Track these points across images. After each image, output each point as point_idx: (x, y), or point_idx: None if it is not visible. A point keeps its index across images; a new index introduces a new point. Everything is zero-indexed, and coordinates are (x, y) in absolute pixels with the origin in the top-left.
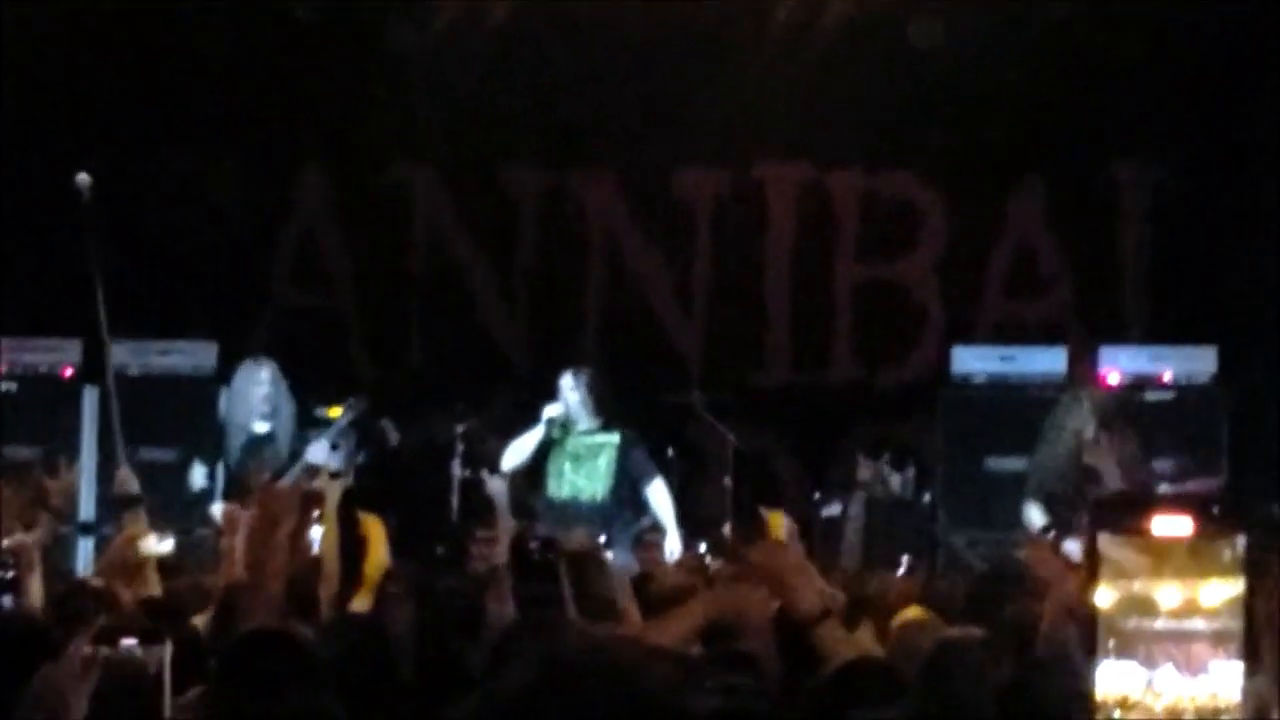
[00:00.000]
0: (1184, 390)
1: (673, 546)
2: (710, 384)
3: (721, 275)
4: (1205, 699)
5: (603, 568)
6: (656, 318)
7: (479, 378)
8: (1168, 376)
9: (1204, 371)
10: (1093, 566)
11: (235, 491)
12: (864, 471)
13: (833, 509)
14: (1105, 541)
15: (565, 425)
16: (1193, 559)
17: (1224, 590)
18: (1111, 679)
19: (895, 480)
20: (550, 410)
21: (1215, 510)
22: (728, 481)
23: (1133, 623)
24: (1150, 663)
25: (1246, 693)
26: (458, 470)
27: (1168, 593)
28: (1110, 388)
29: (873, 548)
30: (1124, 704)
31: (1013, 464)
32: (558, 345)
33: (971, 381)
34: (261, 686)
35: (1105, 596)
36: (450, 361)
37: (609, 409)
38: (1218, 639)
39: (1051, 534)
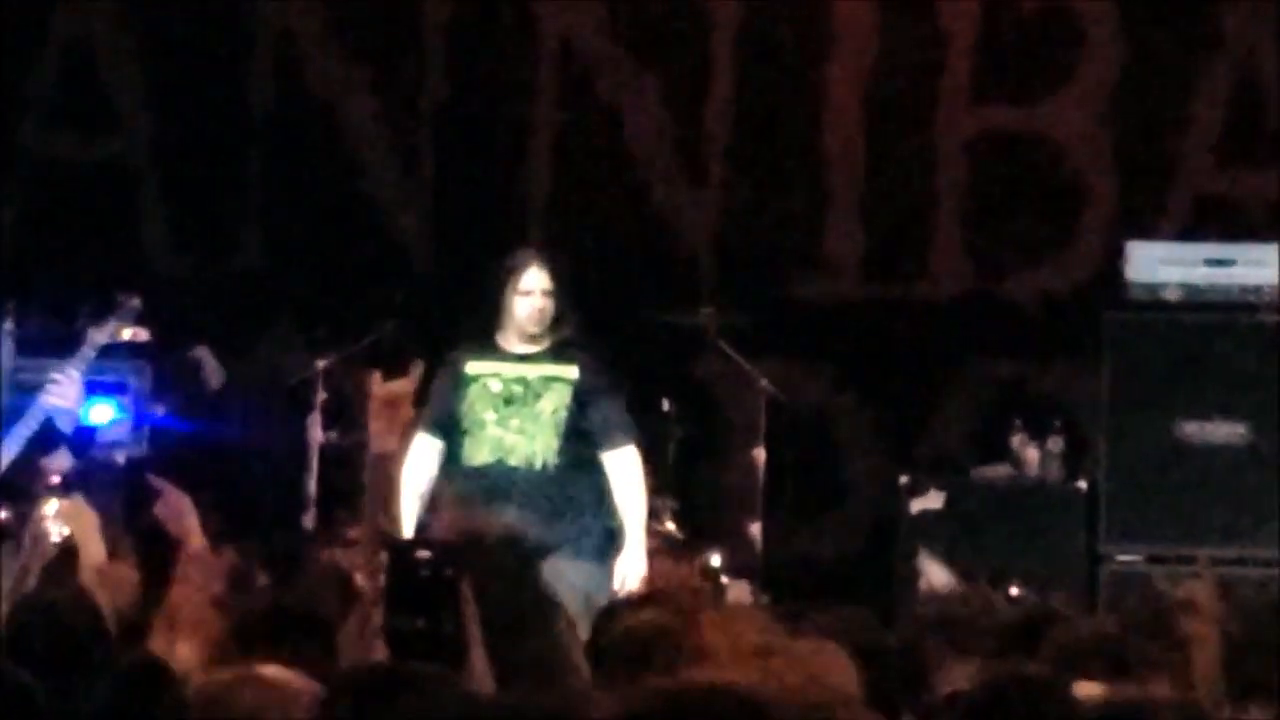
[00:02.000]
0: None
1: (630, 567)
2: (732, 296)
3: (751, 123)
4: None
5: (539, 595)
6: (645, 187)
7: (356, 283)
8: None
9: None
10: None
11: None
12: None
13: (929, 500)
14: None
15: (489, 351)
16: None
17: None
18: None
19: (1032, 456)
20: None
21: None
22: (758, 454)
23: None
24: None
25: None
26: (317, 429)
27: None
28: None
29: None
30: None
31: (1226, 431)
32: (484, 232)
33: (1159, 298)
34: None
35: None
36: (307, 257)
37: (566, 324)
38: None
39: None
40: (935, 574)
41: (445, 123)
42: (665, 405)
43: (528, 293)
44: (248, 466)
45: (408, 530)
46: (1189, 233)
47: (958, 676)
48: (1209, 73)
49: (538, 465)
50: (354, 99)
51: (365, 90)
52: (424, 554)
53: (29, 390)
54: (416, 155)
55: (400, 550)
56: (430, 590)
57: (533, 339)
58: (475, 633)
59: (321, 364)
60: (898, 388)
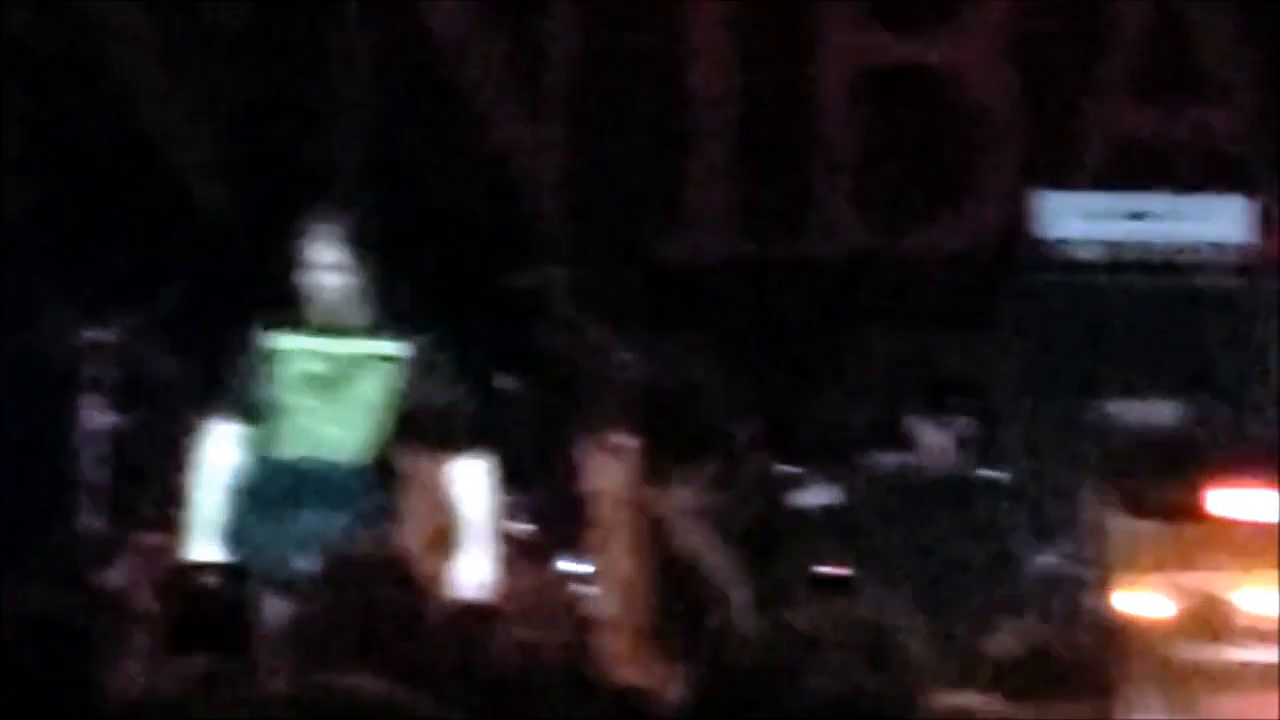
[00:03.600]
0: None
1: (471, 573)
2: (584, 255)
3: (602, 57)
4: None
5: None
6: (475, 125)
7: (137, 242)
8: None
9: None
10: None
11: None
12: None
13: (815, 495)
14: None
15: (300, 324)
16: None
17: None
18: None
19: (934, 442)
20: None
21: None
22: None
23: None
24: None
25: None
26: (93, 414)
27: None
28: None
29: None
30: None
31: (1159, 411)
32: (287, 182)
33: (1073, 257)
34: None
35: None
36: (74, 209)
37: (384, 297)
38: None
39: None
40: None
41: (245, 50)
42: (510, 381)
43: (313, 267)
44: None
45: (209, 534)
46: (1108, 181)
47: None
48: None
49: (355, 459)
50: (126, 23)
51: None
52: (209, 577)
53: None
54: (209, 88)
55: (184, 574)
56: (216, 619)
57: (342, 314)
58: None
59: (90, 337)
60: (777, 362)
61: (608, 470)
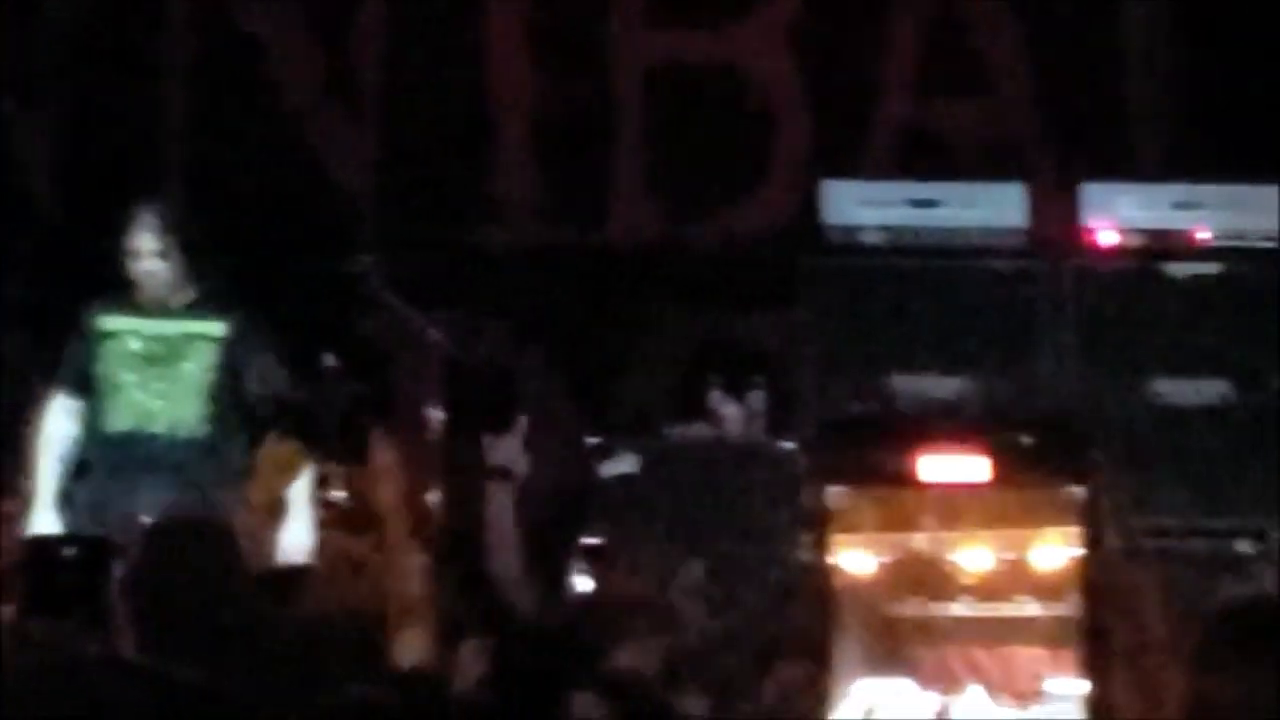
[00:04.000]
0: (1236, 257)
1: (293, 540)
2: (398, 242)
3: (409, 54)
4: None
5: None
6: (296, 121)
7: None
8: (1204, 233)
9: (1264, 227)
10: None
11: None
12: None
13: (621, 464)
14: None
15: (128, 306)
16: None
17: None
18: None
19: (731, 414)
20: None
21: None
22: (434, 415)
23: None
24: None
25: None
26: None
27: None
28: (1103, 251)
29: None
30: None
31: (945, 386)
32: (117, 177)
33: (858, 242)
34: None
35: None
36: None
37: (206, 277)
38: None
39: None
40: None
41: (69, 51)
42: (328, 362)
43: (136, 254)
44: None
45: (48, 503)
46: (892, 170)
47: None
48: None
49: (182, 432)
50: None
51: None
52: (69, 551)
53: None
54: (39, 89)
55: (41, 546)
56: (74, 589)
57: (165, 296)
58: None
59: None
60: (584, 342)
61: (404, 447)
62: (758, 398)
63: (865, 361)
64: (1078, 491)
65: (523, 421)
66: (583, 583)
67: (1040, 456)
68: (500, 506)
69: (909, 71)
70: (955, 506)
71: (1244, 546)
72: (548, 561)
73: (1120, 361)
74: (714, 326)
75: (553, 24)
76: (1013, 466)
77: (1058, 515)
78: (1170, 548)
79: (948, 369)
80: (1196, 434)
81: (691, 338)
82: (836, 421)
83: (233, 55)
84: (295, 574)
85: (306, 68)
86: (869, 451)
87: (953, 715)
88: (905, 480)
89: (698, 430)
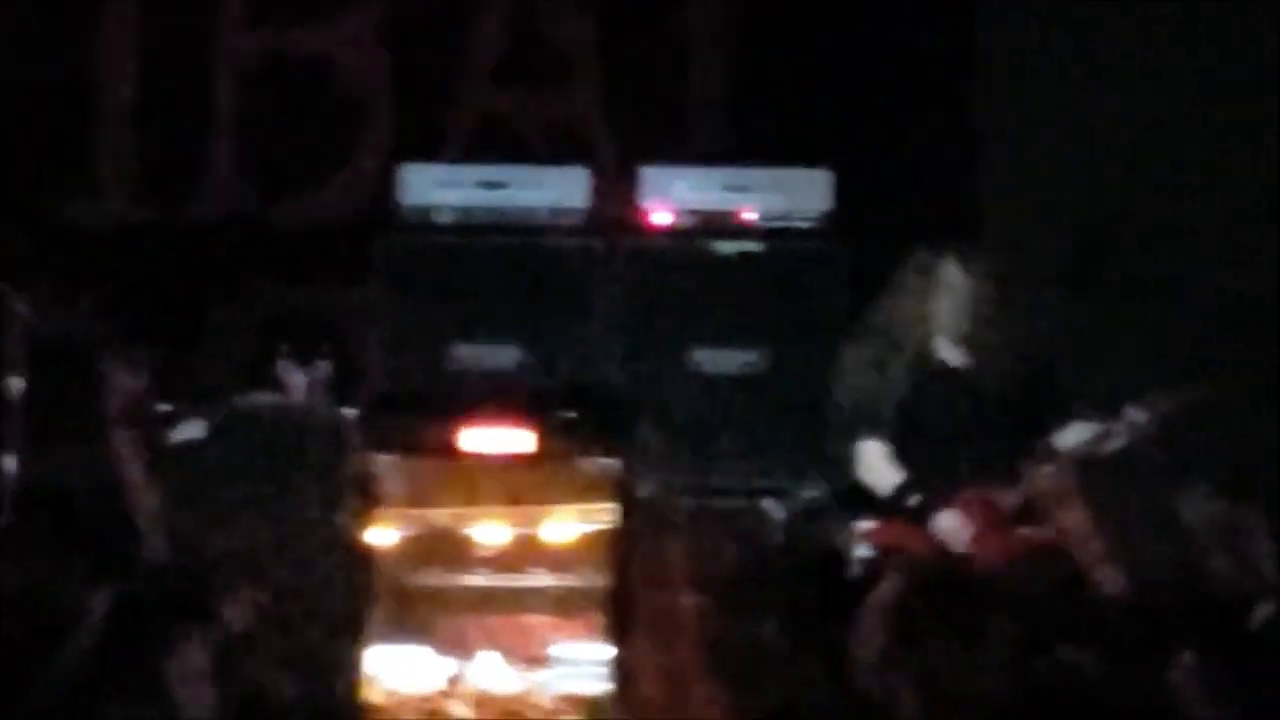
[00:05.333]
0: (780, 237)
1: None
2: None
3: (17, 20)
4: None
5: None
6: None
7: None
8: (751, 214)
9: (809, 209)
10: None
11: None
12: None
13: (189, 429)
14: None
15: None
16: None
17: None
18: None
19: (297, 382)
20: None
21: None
22: (14, 383)
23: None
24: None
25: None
26: None
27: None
28: (657, 230)
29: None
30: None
31: (504, 357)
32: None
33: (433, 221)
34: None
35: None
36: None
37: None
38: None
39: (913, 500)
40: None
41: None
42: None
43: None
44: None
45: None
46: (466, 155)
47: None
48: None
49: None
50: None
51: None
52: None
53: None
54: None
55: None
56: None
57: None
58: None
59: None
60: (165, 315)
61: None
62: (323, 367)
63: (432, 334)
64: (614, 464)
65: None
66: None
67: (581, 430)
68: (126, 457)
69: (489, 62)
70: (497, 478)
71: (774, 506)
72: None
73: (668, 334)
74: (287, 300)
75: (160, 7)
76: (554, 439)
77: (596, 487)
78: (709, 508)
79: (508, 342)
80: (737, 402)
81: (266, 311)
82: (387, 392)
83: None
84: None
85: None
86: (414, 422)
87: (466, 679)
88: (447, 451)
89: (263, 398)
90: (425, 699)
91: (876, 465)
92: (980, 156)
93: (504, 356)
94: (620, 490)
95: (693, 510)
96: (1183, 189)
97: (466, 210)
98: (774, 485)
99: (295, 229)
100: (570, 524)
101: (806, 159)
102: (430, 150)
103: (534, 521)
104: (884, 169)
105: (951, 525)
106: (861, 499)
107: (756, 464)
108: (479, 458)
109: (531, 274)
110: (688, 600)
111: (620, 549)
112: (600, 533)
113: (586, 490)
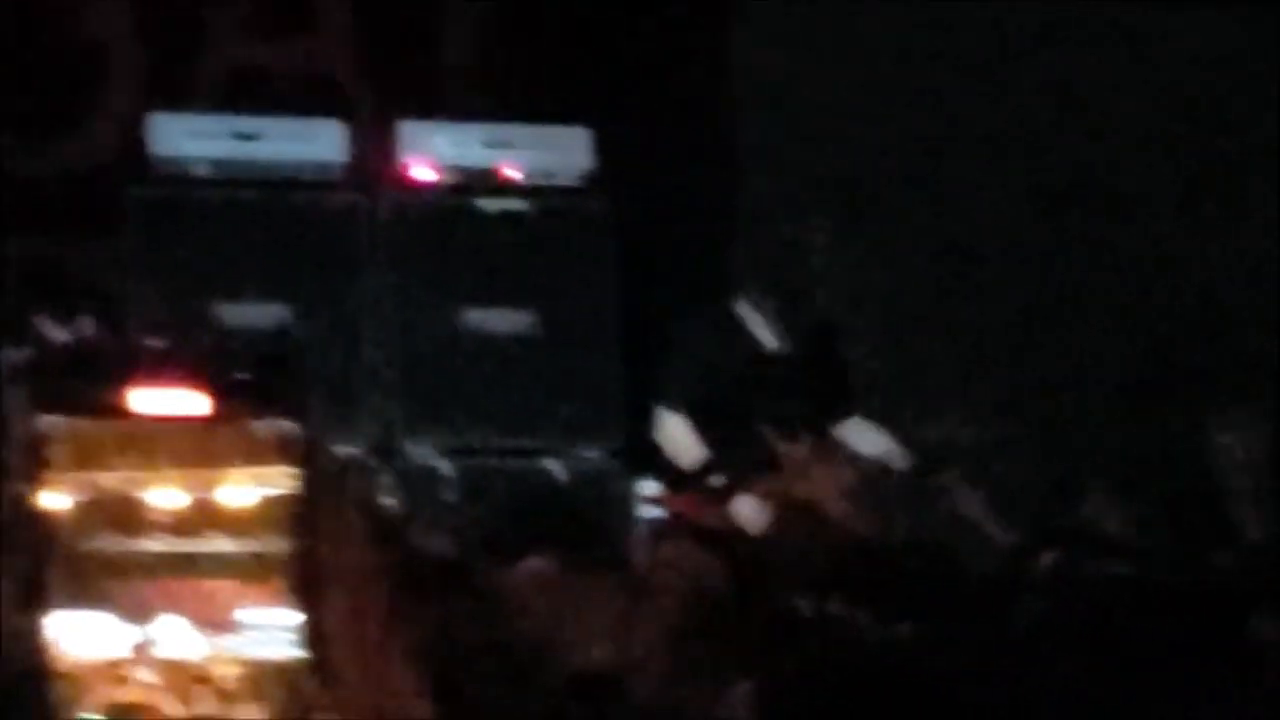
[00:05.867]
0: (543, 195)
1: None
2: None
3: None
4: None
5: None
6: None
7: None
8: (514, 171)
9: (572, 167)
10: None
11: None
12: None
13: None
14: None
15: None
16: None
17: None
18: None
19: (58, 338)
20: None
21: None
22: None
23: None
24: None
25: None
26: None
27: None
28: (419, 186)
29: None
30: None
31: (261, 314)
32: None
33: (186, 173)
34: None
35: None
36: None
37: None
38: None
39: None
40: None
41: None
42: None
43: None
44: None
45: None
46: (220, 104)
47: None
48: None
49: None
50: None
51: None
52: None
53: None
54: None
55: None
56: None
57: None
58: None
59: None
60: None
61: None
62: (85, 324)
63: (189, 291)
64: (294, 427)
65: None
66: None
67: (258, 392)
68: None
69: (243, 11)
70: (170, 440)
71: (552, 465)
72: None
73: (434, 292)
74: (42, 255)
75: None
76: (230, 401)
77: (274, 450)
78: (483, 467)
79: (266, 300)
80: (506, 360)
81: (23, 265)
82: (55, 351)
83: None
84: None
85: None
86: (83, 383)
87: (154, 646)
88: (117, 412)
89: (25, 353)
90: (112, 664)
91: (678, 436)
92: (742, 111)
93: (268, 315)
94: (301, 454)
95: (475, 467)
96: (946, 154)
97: (220, 162)
98: (551, 446)
99: (45, 182)
100: (248, 488)
101: (568, 117)
102: (181, 100)
103: (210, 485)
104: (647, 127)
105: (749, 512)
106: (643, 462)
107: (533, 424)
108: (151, 419)
109: (294, 230)
110: (372, 562)
111: (302, 513)
112: (280, 497)
113: (264, 453)
